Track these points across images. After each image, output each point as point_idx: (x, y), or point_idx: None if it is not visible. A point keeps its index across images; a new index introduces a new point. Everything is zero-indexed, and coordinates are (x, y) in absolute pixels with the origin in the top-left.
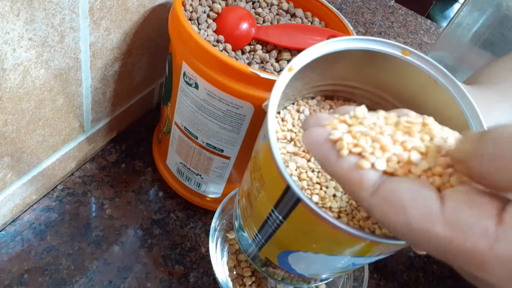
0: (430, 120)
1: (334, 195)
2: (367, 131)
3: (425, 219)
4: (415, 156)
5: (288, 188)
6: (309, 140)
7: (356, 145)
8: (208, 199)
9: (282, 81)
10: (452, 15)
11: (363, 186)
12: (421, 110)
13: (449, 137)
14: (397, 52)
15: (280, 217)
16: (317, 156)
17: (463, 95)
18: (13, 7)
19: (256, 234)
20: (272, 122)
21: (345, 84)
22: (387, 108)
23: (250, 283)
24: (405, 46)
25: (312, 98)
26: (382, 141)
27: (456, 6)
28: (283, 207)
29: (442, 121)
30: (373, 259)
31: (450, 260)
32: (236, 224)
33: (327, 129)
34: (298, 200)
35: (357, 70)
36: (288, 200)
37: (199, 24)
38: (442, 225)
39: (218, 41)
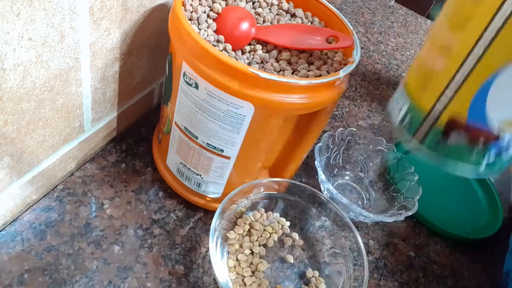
0: None
1: None
2: None
3: None
4: None
5: None
6: None
7: None
8: (208, 199)
9: None
10: None
11: None
12: None
13: None
14: None
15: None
16: None
17: None
18: (13, 7)
19: (448, 84)
20: None
21: None
22: None
23: (250, 283)
24: None
25: None
26: None
27: None
28: None
29: None
30: None
31: None
32: (405, 108)
33: None
34: None
35: None
36: None
37: (199, 24)
38: None
39: (218, 41)
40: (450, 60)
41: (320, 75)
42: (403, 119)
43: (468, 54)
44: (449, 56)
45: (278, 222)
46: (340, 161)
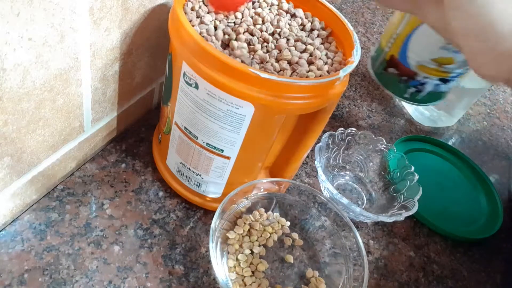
0: None
1: None
2: None
3: None
4: None
5: None
6: None
7: None
8: (208, 199)
9: None
10: None
11: None
12: None
13: None
14: None
15: None
16: None
17: None
18: (13, 7)
19: (393, 32)
20: None
21: None
22: None
23: (250, 283)
24: None
25: None
26: None
27: None
28: None
29: None
30: None
31: None
32: (375, 48)
33: None
34: None
35: None
36: None
37: (199, 24)
38: None
39: (222, 43)
40: (398, 16)
41: (320, 75)
42: (372, 56)
43: (403, 16)
44: (399, 13)
45: (278, 222)
46: (340, 161)
